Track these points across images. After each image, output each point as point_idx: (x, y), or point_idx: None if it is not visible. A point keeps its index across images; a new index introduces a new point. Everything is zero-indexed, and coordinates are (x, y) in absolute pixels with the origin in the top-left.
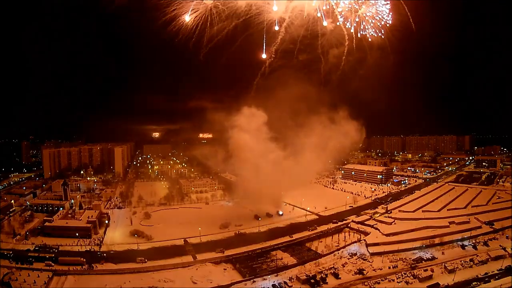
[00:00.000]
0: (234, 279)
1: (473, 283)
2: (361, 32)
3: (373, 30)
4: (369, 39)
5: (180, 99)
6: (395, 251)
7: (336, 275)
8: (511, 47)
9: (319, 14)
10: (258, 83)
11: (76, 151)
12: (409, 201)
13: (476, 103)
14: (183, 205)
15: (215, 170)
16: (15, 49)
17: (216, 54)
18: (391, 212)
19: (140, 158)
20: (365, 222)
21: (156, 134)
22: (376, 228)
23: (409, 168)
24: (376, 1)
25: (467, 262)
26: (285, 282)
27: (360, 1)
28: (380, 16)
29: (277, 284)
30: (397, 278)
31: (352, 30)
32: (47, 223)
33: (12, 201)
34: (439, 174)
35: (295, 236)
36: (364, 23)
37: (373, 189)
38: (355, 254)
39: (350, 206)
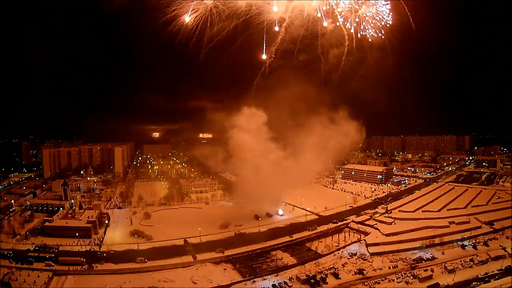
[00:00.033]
0: (234, 279)
1: (473, 283)
2: (361, 33)
3: (373, 30)
4: (369, 40)
5: (180, 99)
6: (395, 251)
7: (336, 275)
8: (511, 47)
9: (319, 15)
10: (258, 83)
11: (76, 151)
12: (409, 201)
13: (476, 103)
14: (183, 205)
15: (215, 170)
16: (15, 49)
17: (216, 54)
18: (391, 212)
19: (140, 158)
20: (365, 222)
21: (156, 134)
22: (376, 228)
23: (409, 168)
24: (376, 1)
25: (467, 262)
26: (285, 282)
27: (360, 1)
28: (380, 17)
29: (277, 284)
30: (397, 278)
31: (352, 31)
32: (47, 223)
33: (12, 201)
34: (439, 174)
35: (295, 236)
36: (364, 23)
37: (373, 189)
38: (355, 254)
39: (350, 206)
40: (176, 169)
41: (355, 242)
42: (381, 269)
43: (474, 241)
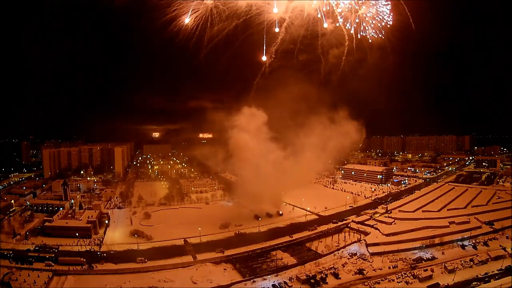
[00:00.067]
0: (234, 279)
1: (473, 283)
2: (361, 33)
3: (373, 31)
4: (370, 41)
5: (180, 99)
6: (395, 251)
7: (336, 275)
8: (511, 47)
9: (319, 15)
10: (258, 83)
11: (76, 151)
12: (409, 201)
13: (476, 103)
14: (183, 205)
15: (215, 170)
16: (15, 49)
17: (216, 54)
18: (391, 212)
19: (140, 158)
20: (365, 222)
21: (156, 134)
22: (376, 228)
23: (409, 168)
24: (377, 2)
25: (467, 262)
26: (285, 282)
27: (361, 2)
28: (380, 17)
29: (277, 284)
30: (397, 278)
31: (352, 31)
32: (47, 223)
33: (12, 201)
34: (439, 174)
35: (295, 236)
36: (364, 24)
37: (373, 189)
38: (355, 254)
39: (350, 206)
40: (176, 169)
41: (355, 242)
42: (381, 269)
43: (474, 241)
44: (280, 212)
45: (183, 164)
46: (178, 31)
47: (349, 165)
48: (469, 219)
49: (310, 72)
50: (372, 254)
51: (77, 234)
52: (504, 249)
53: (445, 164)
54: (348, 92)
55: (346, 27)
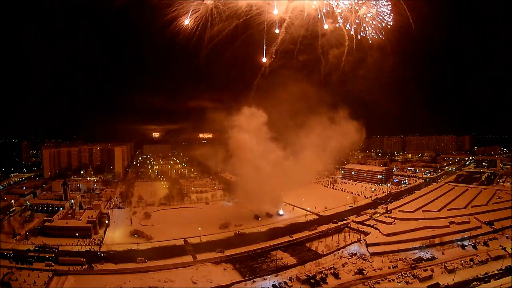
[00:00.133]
0: (234, 279)
1: (473, 283)
2: (361, 34)
3: (374, 31)
4: (370, 41)
5: (180, 99)
6: (395, 251)
7: (336, 275)
8: (511, 47)
9: (319, 16)
10: (258, 83)
11: (76, 151)
12: (409, 201)
13: (476, 103)
14: (183, 205)
15: (215, 170)
16: (15, 49)
17: (216, 54)
18: (391, 212)
19: (140, 158)
20: (365, 222)
21: (156, 134)
22: (376, 228)
23: (409, 168)
24: (377, 2)
25: (467, 262)
26: (285, 282)
27: (361, 2)
28: (380, 17)
29: (277, 284)
30: (397, 278)
31: (352, 32)
32: (47, 223)
33: (12, 201)
34: (439, 174)
35: (295, 236)
36: (364, 25)
37: (373, 189)
38: (355, 254)
39: (350, 206)
40: (176, 169)
41: (355, 242)
42: (381, 269)
43: (474, 241)
44: (280, 212)
45: (183, 164)
46: (178, 31)
47: (349, 165)
48: (469, 219)
49: (310, 72)
50: (372, 254)
51: (77, 234)
52: (504, 249)
53: (445, 164)
54: (348, 92)
55: (346, 28)
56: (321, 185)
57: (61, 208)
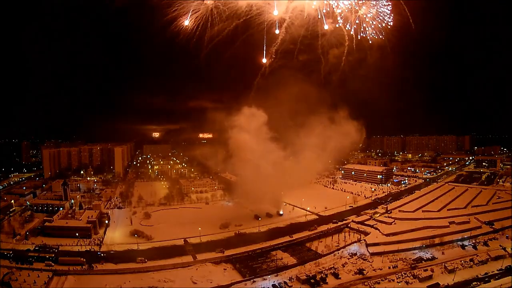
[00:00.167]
0: (234, 279)
1: (473, 283)
2: (361, 34)
3: (374, 32)
4: (370, 42)
5: (180, 99)
6: (395, 251)
7: (336, 275)
8: (511, 47)
9: (319, 16)
10: (258, 83)
11: (76, 151)
12: (409, 201)
13: (476, 103)
14: (183, 205)
15: (215, 170)
16: (15, 49)
17: (216, 54)
18: (391, 212)
19: (140, 158)
20: (365, 222)
21: (156, 134)
22: (376, 228)
23: (409, 168)
24: (377, 2)
25: (467, 262)
26: (285, 282)
27: (361, 2)
28: (381, 18)
29: (277, 284)
30: (397, 278)
31: (352, 32)
32: (47, 223)
33: (12, 201)
34: (439, 174)
35: (295, 236)
36: (364, 25)
37: (373, 189)
38: (355, 254)
39: (350, 206)
40: (176, 169)
41: (355, 242)
42: (381, 269)
43: (474, 241)
44: (280, 212)
45: (183, 164)
46: (178, 31)
47: (349, 165)
48: (469, 219)
49: (310, 72)
50: (372, 254)
51: (77, 234)
52: (504, 249)
53: (445, 164)
54: (348, 92)
55: (346, 28)
56: (321, 185)
57: (61, 208)
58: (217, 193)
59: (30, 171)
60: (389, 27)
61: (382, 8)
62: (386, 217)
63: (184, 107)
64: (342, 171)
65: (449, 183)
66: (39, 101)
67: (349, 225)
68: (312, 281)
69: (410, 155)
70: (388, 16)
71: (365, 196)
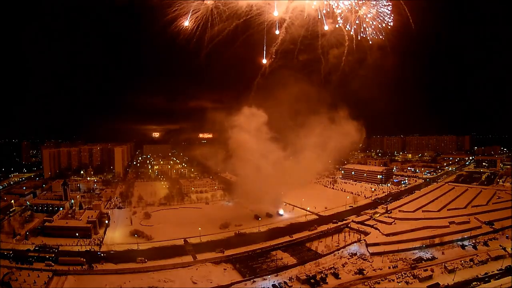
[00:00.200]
0: (234, 279)
1: (473, 283)
2: (361, 34)
3: (374, 32)
4: (370, 42)
5: (180, 99)
6: (395, 251)
7: (336, 275)
8: (511, 47)
9: (319, 16)
10: (258, 83)
11: (76, 151)
12: (409, 201)
13: (476, 103)
14: (183, 205)
15: (215, 170)
16: (15, 49)
17: (216, 54)
18: (391, 212)
19: (140, 158)
20: (365, 222)
21: (156, 134)
22: (376, 228)
23: (409, 168)
24: (377, 2)
25: (467, 262)
26: (285, 282)
27: (361, 2)
28: (381, 18)
29: (277, 284)
30: (397, 278)
31: (352, 32)
32: (47, 223)
33: (12, 201)
34: (439, 174)
35: (295, 236)
36: (364, 25)
37: (373, 189)
38: (355, 254)
39: (350, 206)
40: (176, 169)
41: (355, 242)
42: (381, 269)
43: (474, 241)
44: (280, 212)
45: (183, 164)
46: (178, 32)
47: (349, 165)
48: (469, 219)
49: (310, 72)
50: (372, 254)
51: (77, 234)
52: (504, 249)
53: (445, 164)
54: (348, 92)
55: (346, 28)
56: (321, 185)
57: (61, 208)
58: (217, 193)
59: (30, 171)
60: (389, 27)
61: (382, 8)
62: (386, 217)
63: (184, 107)
64: (342, 171)
65: (449, 183)
66: (39, 101)
67: (349, 225)
68: (312, 281)
69: (410, 155)
70: (388, 16)
71: (365, 196)
